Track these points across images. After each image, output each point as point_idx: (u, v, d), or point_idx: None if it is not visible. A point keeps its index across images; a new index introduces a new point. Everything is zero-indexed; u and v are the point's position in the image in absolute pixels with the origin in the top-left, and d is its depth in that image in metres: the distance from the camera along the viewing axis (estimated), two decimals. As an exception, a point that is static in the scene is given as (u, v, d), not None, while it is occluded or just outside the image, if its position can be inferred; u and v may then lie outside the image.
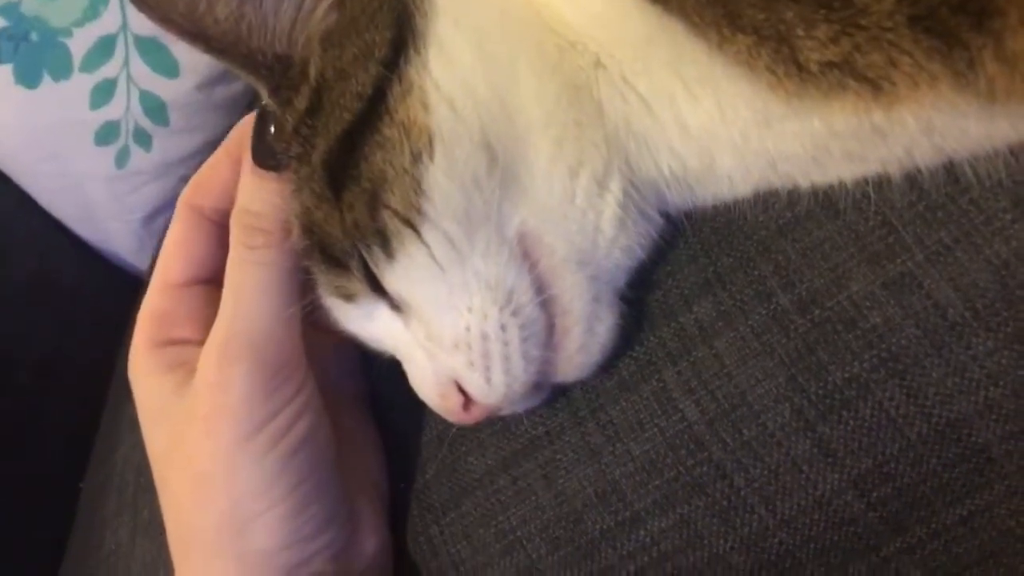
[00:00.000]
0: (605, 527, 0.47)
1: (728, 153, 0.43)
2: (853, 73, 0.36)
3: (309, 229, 0.46)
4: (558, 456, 0.49)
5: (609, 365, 0.48)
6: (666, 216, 0.49)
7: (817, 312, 0.44)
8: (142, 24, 1.03)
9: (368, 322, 0.48)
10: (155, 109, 1.07)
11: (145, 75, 1.06)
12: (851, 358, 0.43)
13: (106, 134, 1.08)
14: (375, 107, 0.43)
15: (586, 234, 0.45)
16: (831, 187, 0.45)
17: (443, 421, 0.54)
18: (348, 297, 0.47)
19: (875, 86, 0.37)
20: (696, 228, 0.49)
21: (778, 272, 0.45)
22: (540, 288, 0.44)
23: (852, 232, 0.44)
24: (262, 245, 0.48)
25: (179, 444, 0.49)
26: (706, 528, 0.46)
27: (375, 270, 0.45)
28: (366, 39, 0.44)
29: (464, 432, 0.53)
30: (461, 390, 0.46)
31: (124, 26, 1.06)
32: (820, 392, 0.43)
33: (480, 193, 0.43)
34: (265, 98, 0.48)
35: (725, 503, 0.45)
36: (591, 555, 0.48)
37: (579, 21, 0.43)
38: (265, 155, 0.48)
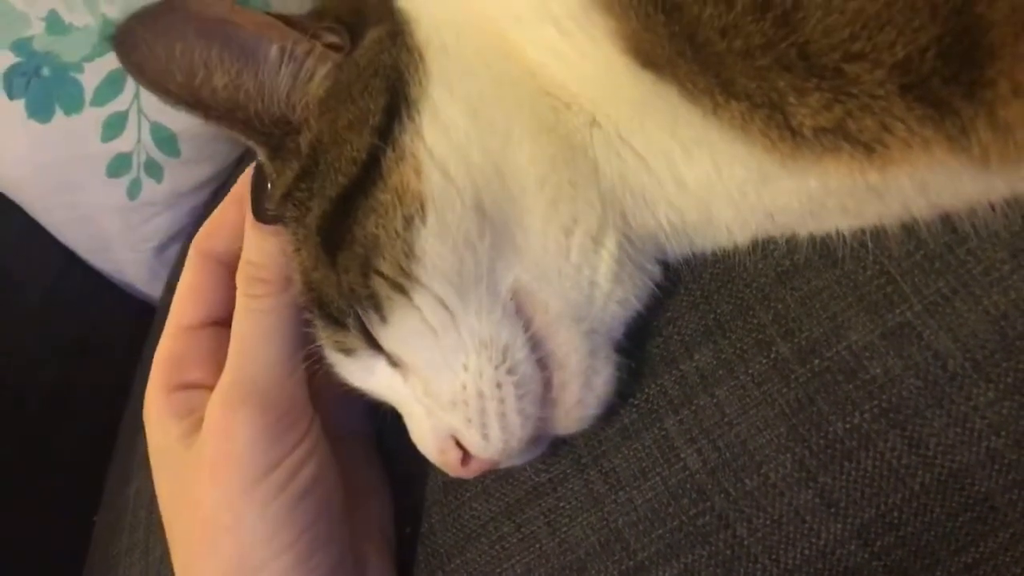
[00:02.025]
0: (609, 576, 0.48)
1: (726, 206, 0.43)
2: (846, 137, 0.37)
3: (308, 286, 0.46)
4: (561, 504, 0.49)
5: (611, 413, 0.48)
6: (664, 265, 0.49)
7: (817, 362, 0.44)
8: (152, 58, 1.04)
9: (368, 376, 0.49)
10: (165, 140, 1.08)
11: (155, 107, 1.07)
12: (852, 409, 0.43)
13: (117, 166, 1.09)
14: (369, 173, 0.43)
15: (581, 289, 0.45)
16: (829, 237, 0.45)
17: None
18: (347, 352, 0.48)
19: (869, 149, 0.37)
20: (696, 274, 0.49)
21: (777, 321, 0.45)
22: (536, 345, 0.45)
23: (850, 281, 0.44)
24: (264, 295, 0.49)
25: (186, 491, 0.49)
26: (710, 578, 0.46)
27: (371, 330, 0.45)
28: (360, 106, 0.44)
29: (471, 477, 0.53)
30: (459, 445, 0.46)
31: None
32: (821, 443, 0.43)
33: (472, 254, 0.43)
34: (264, 160, 0.48)
35: (728, 553, 0.45)
36: (595, 604, 0.48)
37: (573, 84, 0.43)
38: (264, 210, 0.49)
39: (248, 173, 0.53)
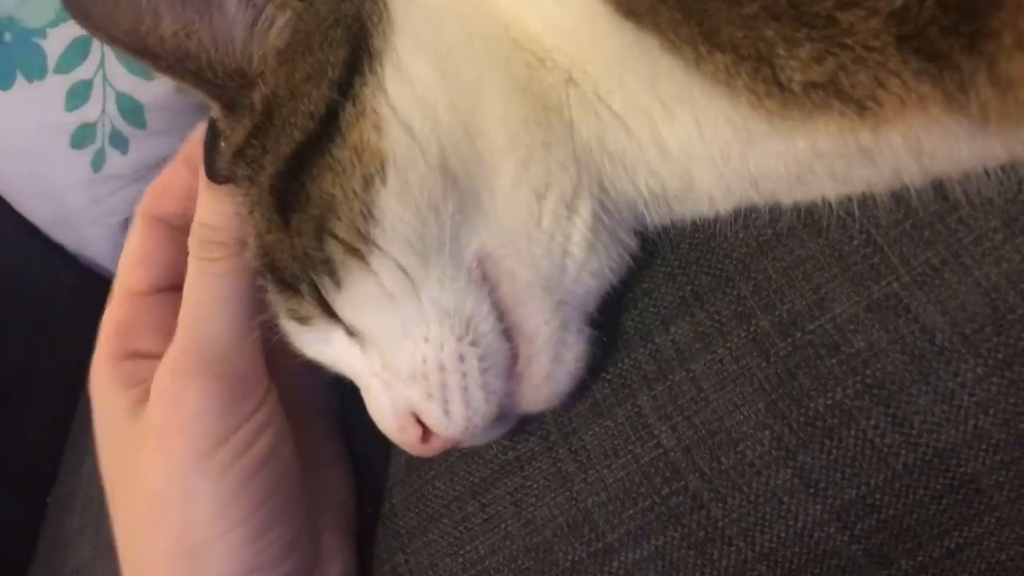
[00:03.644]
0: (576, 558, 0.45)
1: (708, 172, 0.41)
2: (838, 93, 0.34)
3: (261, 250, 0.44)
4: (528, 483, 0.47)
5: (582, 388, 0.46)
6: (640, 236, 0.46)
7: (798, 335, 0.42)
8: (118, 25, 1.01)
9: (324, 347, 0.46)
10: (132, 111, 1.04)
11: (121, 76, 1.03)
12: (834, 384, 0.41)
13: (82, 137, 1.06)
14: (327, 129, 0.41)
15: (553, 259, 0.43)
16: (814, 205, 0.42)
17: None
18: (303, 321, 0.45)
19: (861, 106, 0.34)
20: (674, 244, 0.47)
21: (758, 292, 0.43)
22: (502, 316, 0.42)
23: (835, 251, 0.42)
24: (218, 258, 0.46)
25: (131, 464, 0.47)
26: (682, 561, 0.44)
27: (326, 297, 0.43)
28: (319, 57, 0.41)
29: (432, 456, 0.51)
30: (420, 421, 0.44)
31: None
32: (801, 419, 0.41)
33: (436, 218, 0.40)
34: (217, 115, 0.46)
35: (702, 535, 0.43)
36: (562, 587, 0.46)
37: (549, 37, 0.41)
38: (217, 169, 0.46)
39: (200, 132, 0.50)
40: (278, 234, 0.42)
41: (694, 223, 0.46)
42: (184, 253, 0.49)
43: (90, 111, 1.03)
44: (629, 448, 0.45)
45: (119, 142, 1.06)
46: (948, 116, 0.34)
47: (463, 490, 0.49)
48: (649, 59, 0.37)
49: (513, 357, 0.43)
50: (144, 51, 0.43)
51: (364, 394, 0.46)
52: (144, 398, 0.47)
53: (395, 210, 0.40)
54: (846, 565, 0.42)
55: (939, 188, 0.40)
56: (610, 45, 0.39)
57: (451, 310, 0.41)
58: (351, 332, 0.44)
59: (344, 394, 0.55)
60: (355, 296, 0.42)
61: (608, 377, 0.46)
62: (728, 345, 0.43)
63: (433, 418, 0.42)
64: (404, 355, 0.42)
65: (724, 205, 0.44)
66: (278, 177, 0.42)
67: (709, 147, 0.40)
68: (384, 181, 0.39)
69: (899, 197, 0.41)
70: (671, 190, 0.43)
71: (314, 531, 0.50)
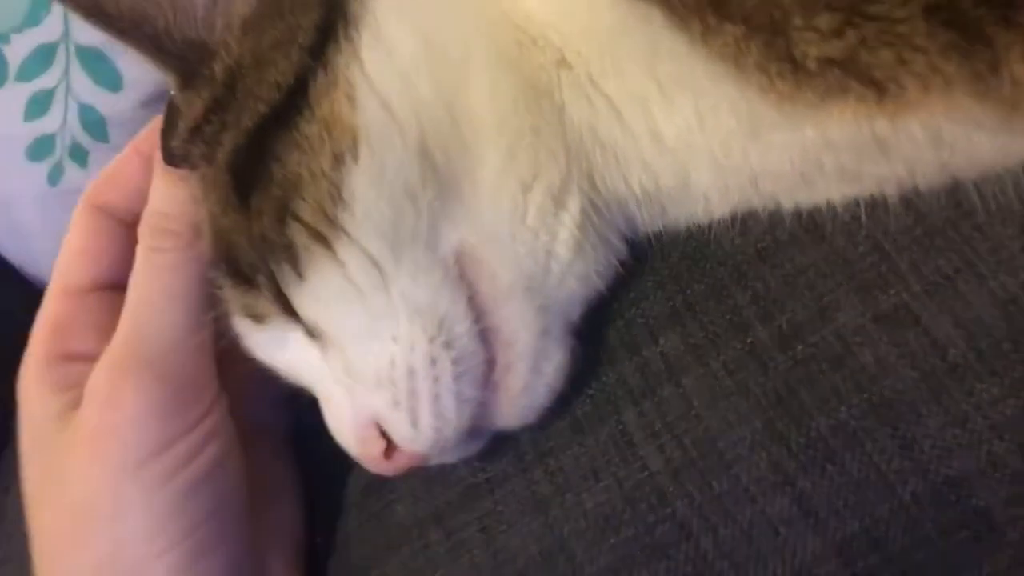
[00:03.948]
0: (549, 593, 0.41)
1: (706, 168, 0.38)
2: (856, 73, 0.31)
3: (216, 237, 0.40)
4: (499, 507, 0.43)
5: (561, 404, 0.42)
6: (630, 242, 0.43)
7: (800, 348, 0.38)
8: (86, 33, 0.98)
9: (280, 350, 0.42)
10: (94, 124, 1.00)
11: (86, 87, 1.00)
12: (837, 402, 0.37)
13: (40, 149, 1.01)
14: (294, 101, 0.37)
15: (537, 258, 0.39)
16: (817, 210, 0.40)
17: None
18: (258, 319, 0.41)
19: (880, 89, 0.32)
20: (664, 253, 0.43)
21: (756, 302, 0.40)
22: (479, 317, 0.39)
23: (840, 259, 0.39)
24: (170, 248, 0.42)
25: (58, 474, 0.42)
26: (666, 598, 0.39)
27: (285, 290, 0.39)
28: (289, 22, 0.38)
29: (394, 477, 0.46)
30: (384, 434, 0.39)
31: (66, 34, 1.00)
32: (801, 441, 0.38)
33: (412, 205, 0.37)
34: (174, 90, 0.42)
35: (689, 569, 0.39)
36: (531, 626, 0.41)
37: (543, 12, 0.38)
38: (175, 153, 0.42)
39: (157, 123, 0.46)
40: (235, 217, 0.38)
41: (687, 231, 0.43)
42: (130, 249, 0.45)
43: (50, 122, 0.99)
44: (611, 470, 0.41)
45: (79, 155, 1.01)
46: (974, 101, 0.31)
47: (426, 515, 0.45)
48: (649, 35, 0.34)
49: (489, 364, 0.39)
50: (98, 11, 0.40)
51: (323, 404, 0.42)
52: (77, 403, 0.43)
53: (367, 193, 0.36)
54: (847, 607, 0.39)
55: (952, 193, 0.37)
56: (607, 20, 0.36)
57: (424, 307, 0.37)
58: (311, 332, 0.40)
59: (298, 411, 0.51)
60: (318, 288, 0.38)
61: (590, 392, 0.42)
62: (722, 358, 0.40)
63: (399, 429, 0.38)
64: (370, 357, 0.38)
65: (720, 208, 0.41)
66: (237, 153, 0.38)
67: (709, 139, 0.37)
68: (356, 160, 0.36)
69: (909, 202, 0.38)
70: (665, 188, 0.40)
71: (259, 559, 0.45)
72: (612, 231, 0.41)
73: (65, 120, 1.01)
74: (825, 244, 0.39)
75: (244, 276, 0.39)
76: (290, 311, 0.40)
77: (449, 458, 0.42)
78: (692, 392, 0.40)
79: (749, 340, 0.39)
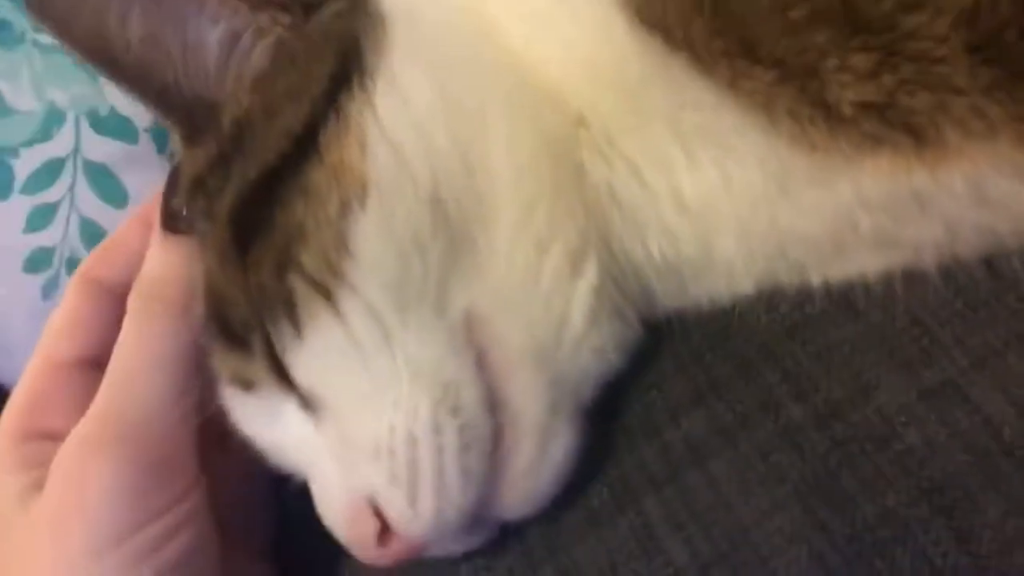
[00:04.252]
0: None
1: (730, 233, 0.36)
2: (893, 119, 0.30)
3: (210, 294, 0.37)
4: (503, 613, 0.38)
5: (574, 494, 0.38)
6: (647, 322, 0.41)
7: (839, 428, 0.35)
8: (96, 150, 0.99)
9: (270, 422, 0.38)
10: (95, 238, 0.99)
11: (90, 202, 1.00)
12: (884, 487, 0.34)
13: (37, 261, 1.00)
14: (303, 149, 0.36)
15: (550, 326, 0.37)
16: (849, 285, 0.37)
17: (361, 572, 0.43)
18: (248, 385, 0.38)
19: (919, 137, 0.30)
20: (685, 334, 0.41)
21: (787, 380, 0.37)
22: (487, 385, 0.36)
23: (877, 334, 0.36)
24: (160, 315, 0.40)
25: (17, 556, 0.37)
26: None
27: (280, 353, 0.36)
28: (303, 71, 0.37)
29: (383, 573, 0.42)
30: (379, 516, 0.35)
31: (76, 150, 1.01)
32: (846, 532, 0.34)
33: (420, 258, 0.35)
34: (177, 146, 0.41)
35: None
36: None
37: (560, 66, 0.37)
38: (174, 217, 0.41)
39: (156, 194, 0.45)
40: (232, 270, 0.36)
41: (709, 312, 0.41)
42: (119, 324, 0.42)
43: (50, 235, 0.98)
44: (631, 566, 0.36)
45: (76, 269, 1.00)
46: (1021, 150, 0.29)
47: (420, 625, 0.40)
48: (674, 83, 0.33)
49: (496, 439, 0.35)
50: (107, 57, 0.39)
51: (312, 483, 0.38)
52: (42, 483, 0.39)
53: (374, 243, 0.34)
54: None
55: (990, 264, 0.35)
56: (629, 69, 0.35)
57: (429, 370, 0.34)
58: (305, 402, 0.37)
59: (284, 504, 0.47)
60: (316, 346, 0.35)
61: (606, 480, 0.39)
62: (753, 440, 0.36)
63: (396, 508, 0.34)
64: (368, 424, 0.35)
65: (745, 282, 0.38)
66: (239, 203, 0.36)
67: (734, 200, 0.35)
68: (364, 208, 0.34)
69: (947, 274, 0.36)
70: (686, 256, 0.38)
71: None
72: (629, 305, 0.39)
73: (66, 233, 1.01)
74: (860, 320, 0.37)
75: (237, 336, 0.37)
76: (284, 377, 0.37)
77: (449, 550, 0.38)
78: (720, 477, 0.36)
79: (782, 420, 0.36)
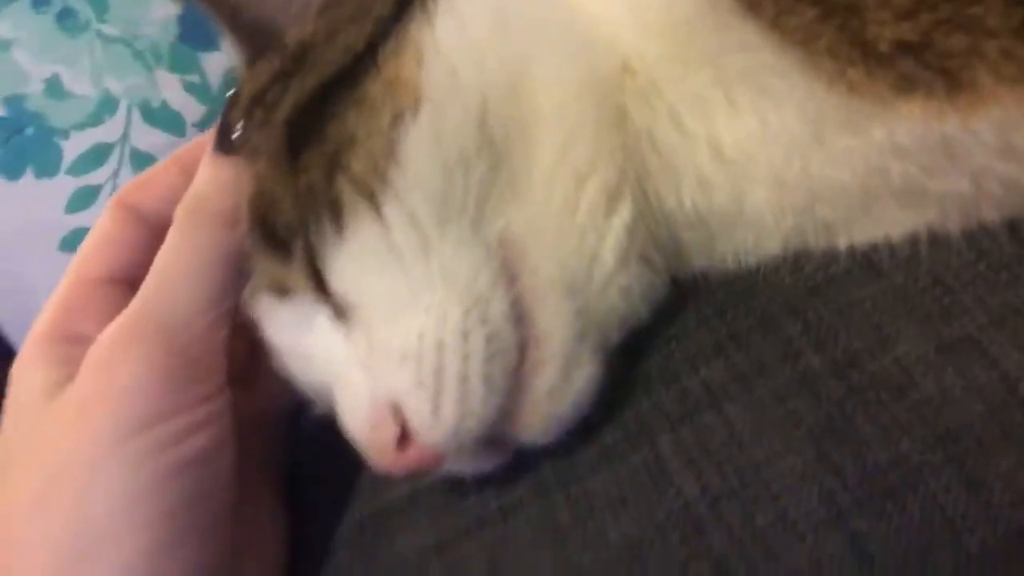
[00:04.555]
0: (559, 635, 0.36)
1: (764, 184, 0.38)
2: (928, 60, 0.32)
3: (257, 200, 0.39)
4: (511, 536, 0.38)
5: (589, 431, 0.39)
6: (674, 279, 0.42)
7: (856, 376, 0.36)
8: (144, 139, 1.03)
9: (302, 331, 0.39)
10: (133, 224, 1.02)
11: (134, 187, 1.02)
12: (899, 433, 0.34)
13: (74, 241, 1.03)
14: (363, 64, 0.37)
15: (582, 259, 0.38)
16: (873, 248, 0.39)
17: (369, 504, 0.43)
18: (284, 293, 0.39)
19: (952, 81, 0.32)
20: (709, 292, 0.42)
21: (808, 332, 0.38)
22: (516, 305, 0.37)
23: (899, 293, 0.37)
24: (203, 227, 0.41)
25: (36, 439, 0.38)
26: (694, 652, 0.34)
27: (319, 258, 0.37)
28: None
29: (395, 510, 0.42)
30: (400, 422, 0.36)
31: (124, 137, 1.04)
32: (857, 474, 0.34)
33: (464, 175, 0.36)
34: (242, 66, 0.43)
35: (724, 616, 0.34)
36: (535, 674, 0.36)
37: (612, 10, 0.39)
38: (228, 141, 0.42)
39: (201, 138, 0.47)
40: (283, 173, 0.37)
41: (734, 274, 0.42)
42: (152, 249, 0.43)
43: (91, 216, 1.01)
44: (642, 497, 0.37)
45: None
46: None
47: (427, 545, 0.40)
48: (719, 25, 0.35)
49: (520, 356, 0.36)
50: None
51: (338, 393, 0.39)
52: (71, 378, 0.40)
53: (422, 154, 0.36)
54: None
55: (1013, 229, 0.36)
56: (676, 12, 0.36)
57: (462, 281, 0.36)
58: (337, 312, 0.38)
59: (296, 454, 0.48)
60: (355, 249, 0.36)
61: (622, 420, 0.39)
62: (770, 385, 0.37)
63: (418, 412, 0.35)
64: (399, 328, 0.36)
65: (772, 239, 0.40)
66: (296, 110, 0.38)
67: (770, 148, 0.36)
68: (416, 120, 0.36)
69: (970, 238, 0.37)
70: (718, 207, 0.39)
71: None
72: (659, 254, 0.40)
73: (106, 216, 1.02)
74: (883, 279, 0.38)
75: (280, 241, 0.38)
76: (319, 285, 0.38)
77: (464, 467, 0.38)
78: (735, 419, 0.37)
79: (801, 367, 0.37)
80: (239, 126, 0.41)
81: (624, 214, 0.38)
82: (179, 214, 0.42)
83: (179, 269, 0.41)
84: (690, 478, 0.36)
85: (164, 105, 1.05)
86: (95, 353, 0.39)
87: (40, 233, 1.03)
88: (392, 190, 0.36)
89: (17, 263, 1.04)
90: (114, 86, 1.05)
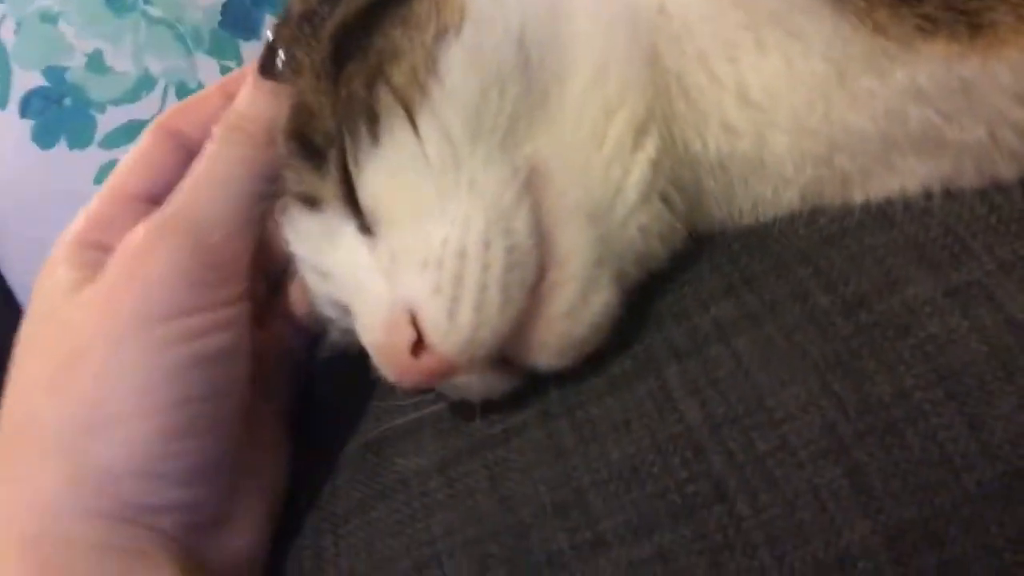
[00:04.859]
0: (556, 548, 0.36)
1: (786, 129, 0.39)
2: (951, 2, 0.33)
3: (297, 112, 0.40)
4: (512, 456, 0.39)
5: (598, 362, 0.40)
6: (691, 231, 0.43)
7: (864, 315, 0.36)
8: (179, 119, 1.05)
9: (327, 243, 0.41)
10: (159, 200, 1.04)
11: (163, 165, 1.04)
12: (903, 370, 0.35)
13: (100, 212, 1.04)
14: None
15: (606, 190, 0.39)
16: (888, 202, 0.39)
17: (373, 432, 0.44)
18: (314, 204, 0.40)
19: (974, 24, 0.33)
20: (725, 242, 0.43)
21: (819, 275, 0.38)
22: (540, 227, 0.38)
23: (910, 241, 0.38)
24: (241, 143, 0.43)
25: (58, 324, 0.39)
26: (688, 571, 0.34)
27: (353, 168, 0.38)
28: None
29: (400, 436, 0.43)
30: (417, 329, 0.37)
31: (159, 115, 1.06)
32: (859, 405, 0.35)
33: (499, 96, 0.37)
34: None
35: (719, 537, 0.34)
36: (528, 585, 0.36)
37: None
38: (272, 64, 0.44)
39: (245, 69, 0.49)
40: (325, 83, 0.39)
41: (749, 227, 0.43)
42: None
43: (118, 189, 1.03)
44: (645, 422, 0.37)
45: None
46: None
47: (429, 464, 0.40)
48: None
49: (540, 274, 0.37)
50: None
51: (357, 305, 0.40)
52: (95, 275, 0.41)
53: (461, 69, 0.37)
54: (893, 623, 0.33)
55: (1026, 187, 0.37)
56: None
57: (489, 196, 0.37)
58: (364, 226, 0.39)
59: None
60: (389, 157, 0.37)
61: (631, 353, 0.40)
62: (779, 322, 0.38)
63: (434, 319, 0.36)
64: (422, 236, 0.37)
65: (791, 190, 0.41)
66: (342, 26, 0.39)
67: (794, 91, 0.38)
68: (458, 36, 0.37)
69: (983, 195, 0.38)
70: (740, 153, 0.40)
71: (233, 487, 0.40)
72: (680, 197, 0.41)
73: (133, 190, 1.04)
74: (895, 229, 0.38)
75: (316, 151, 0.39)
76: (350, 197, 0.39)
77: (475, 385, 0.39)
78: (743, 352, 0.37)
79: (809, 307, 0.37)
80: (284, 51, 0.42)
81: (650, 150, 0.39)
82: (218, 129, 0.44)
83: (214, 177, 0.42)
84: (694, 405, 0.37)
85: (200, 87, 1.08)
86: (125, 246, 0.40)
87: (68, 203, 1.04)
88: (429, 102, 0.37)
89: (44, 231, 1.04)
90: (154, 66, 1.08)
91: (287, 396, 0.49)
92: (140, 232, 0.40)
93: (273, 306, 0.49)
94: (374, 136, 0.37)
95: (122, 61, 1.07)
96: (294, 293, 0.49)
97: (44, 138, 1.06)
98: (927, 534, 0.33)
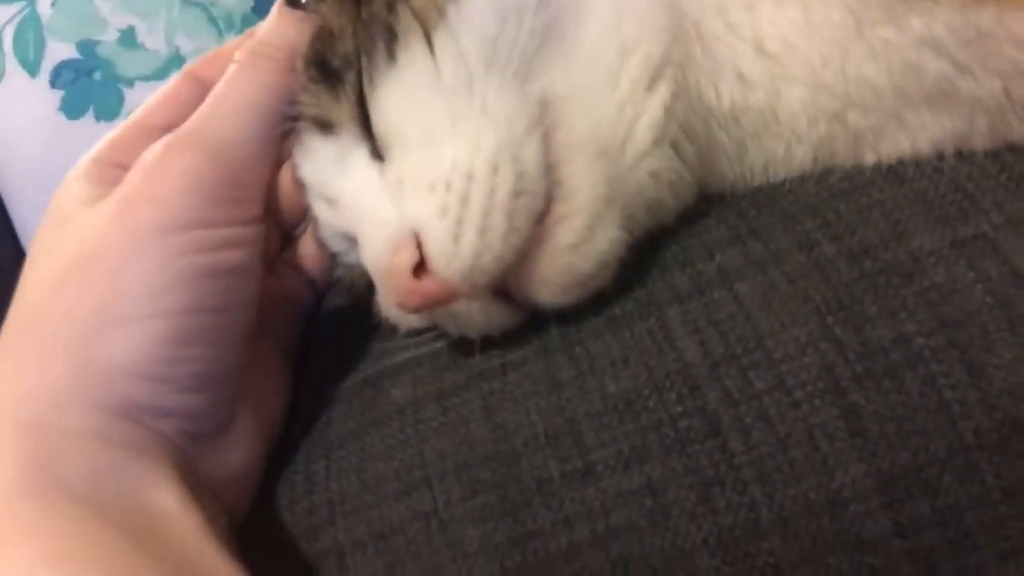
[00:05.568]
0: (545, 476, 0.36)
1: (801, 82, 0.39)
2: None
3: (318, 35, 0.41)
4: (509, 387, 0.39)
5: (601, 303, 0.40)
6: (700, 189, 0.43)
7: (869, 263, 0.36)
8: (203, 98, 1.06)
9: (338, 167, 0.41)
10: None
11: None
12: (905, 316, 0.35)
13: (122, 185, 1.05)
14: None
15: (618, 131, 0.39)
16: (899, 161, 0.40)
17: (372, 368, 0.44)
18: (327, 128, 0.41)
19: None
20: (733, 202, 0.43)
21: (826, 227, 0.38)
22: (549, 160, 0.38)
23: (920, 196, 0.38)
24: (263, 69, 0.43)
25: (72, 230, 0.39)
26: (677, 504, 0.34)
27: (368, 90, 0.39)
28: None
29: (398, 370, 0.43)
30: (420, 252, 0.37)
31: (186, 92, 1.08)
32: (859, 348, 0.35)
33: (516, 25, 0.38)
34: None
35: (710, 472, 0.34)
36: (517, 511, 0.35)
37: None
38: None
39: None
40: (348, 7, 0.40)
41: (759, 187, 0.43)
42: None
43: (141, 164, 1.04)
44: (643, 359, 0.37)
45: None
46: None
47: (424, 395, 0.40)
48: None
49: (546, 205, 0.37)
50: None
51: (364, 230, 0.40)
52: (112, 190, 0.41)
53: None
54: (882, 568, 0.33)
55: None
56: None
57: (501, 122, 0.37)
58: (375, 151, 0.40)
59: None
60: (404, 76, 0.38)
61: (633, 295, 0.40)
62: (783, 268, 0.38)
63: (438, 240, 0.36)
64: (432, 157, 0.37)
65: (803, 148, 0.41)
66: None
67: (811, 42, 0.38)
68: None
69: (994, 155, 0.38)
70: (754, 106, 0.40)
71: (233, 403, 0.41)
72: (692, 147, 0.41)
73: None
74: (905, 185, 0.38)
75: (333, 74, 0.40)
76: (363, 121, 0.39)
77: (475, 313, 0.39)
78: (746, 296, 0.37)
79: (815, 254, 0.37)
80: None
81: (664, 94, 0.39)
82: (241, 55, 0.44)
83: (235, 98, 0.42)
84: (694, 344, 0.37)
85: (228, 69, 1.10)
86: (145, 158, 0.40)
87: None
88: (447, 24, 0.37)
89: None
90: (184, 45, 1.09)
91: (289, 336, 0.49)
92: (159, 147, 0.40)
93: (284, 258, 0.50)
94: (391, 54, 0.38)
95: (154, 39, 1.08)
96: (305, 247, 0.50)
97: (72, 109, 1.07)
98: (921, 481, 0.33)
